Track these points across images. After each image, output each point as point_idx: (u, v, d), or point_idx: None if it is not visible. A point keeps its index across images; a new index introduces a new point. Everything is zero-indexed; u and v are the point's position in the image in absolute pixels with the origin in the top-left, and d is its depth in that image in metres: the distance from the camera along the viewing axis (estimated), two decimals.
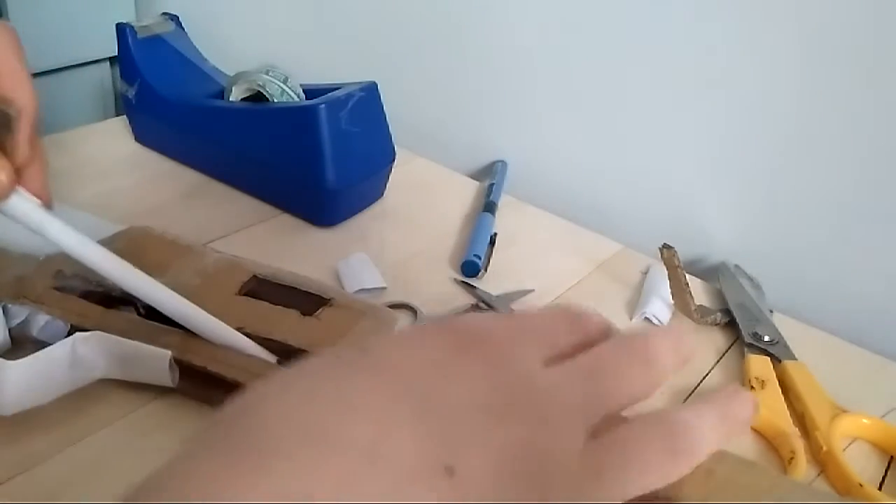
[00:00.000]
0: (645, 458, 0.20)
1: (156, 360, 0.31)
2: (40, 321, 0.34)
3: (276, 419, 0.16)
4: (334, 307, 0.36)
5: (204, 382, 0.32)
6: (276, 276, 0.38)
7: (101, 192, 0.53)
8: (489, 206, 0.56)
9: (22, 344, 0.34)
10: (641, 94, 0.56)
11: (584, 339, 0.24)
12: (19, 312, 0.34)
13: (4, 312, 0.33)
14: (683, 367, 0.25)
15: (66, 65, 0.76)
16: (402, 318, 0.42)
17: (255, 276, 0.37)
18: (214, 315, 0.34)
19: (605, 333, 0.25)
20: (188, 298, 0.34)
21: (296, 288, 0.37)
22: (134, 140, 0.61)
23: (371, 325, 0.35)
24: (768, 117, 0.50)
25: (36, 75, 0.69)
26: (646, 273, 0.51)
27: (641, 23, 0.54)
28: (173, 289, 0.35)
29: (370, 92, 0.52)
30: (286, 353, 0.32)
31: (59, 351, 0.31)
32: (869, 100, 0.46)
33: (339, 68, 0.73)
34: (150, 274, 0.34)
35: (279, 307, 0.35)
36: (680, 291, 0.45)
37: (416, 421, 0.17)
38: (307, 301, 0.36)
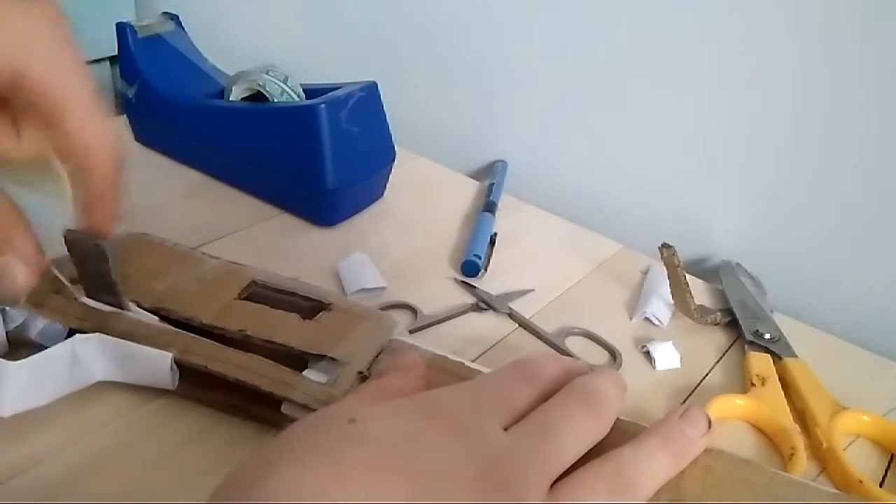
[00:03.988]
0: (598, 500, 0.22)
1: (156, 361, 0.31)
2: (39, 324, 0.34)
3: (283, 490, 0.19)
4: (334, 311, 0.36)
5: (203, 385, 0.32)
6: (275, 282, 0.38)
7: None
8: (489, 206, 0.56)
9: (20, 347, 0.34)
10: (641, 93, 0.56)
11: (542, 390, 0.27)
12: (17, 316, 0.34)
13: (3, 315, 0.33)
14: (624, 397, 0.28)
15: None
16: (402, 319, 0.42)
17: (253, 282, 0.37)
18: (215, 319, 0.34)
19: (560, 378, 0.28)
20: (188, 304, 0.34)
21: (295, 293, 0.37)
22: (134, 140, 0.61)
23: (370, 328, 0.35)
24: (769, 116, 0.51)
25: None
26: (646, 273, 0.51)
27: (641, 22, 0.54)
28: (172, 295, 0.35)
29: (370, 92, 0.52)
30: (287, 357, 0.32)
31: (59, 352, 0.30)
32: (870, 99, 0.46)
33: (339, 68, 0.73)
34: (148, 280, 0.34)
35: (280, 311, 0.35)
36: (680, 291, 0.45)
37: (404, 490, 0.20)
38: (306, 305, 0.36)
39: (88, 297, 0.33)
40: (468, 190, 0.61)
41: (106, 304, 0.33)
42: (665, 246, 0.45)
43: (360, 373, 0.32)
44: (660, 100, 0.55)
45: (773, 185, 0.52)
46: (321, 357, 0.33)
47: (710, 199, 0.56)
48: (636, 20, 0.54)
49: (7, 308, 0.33)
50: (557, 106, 0.61)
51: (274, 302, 0.36)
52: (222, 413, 0.33)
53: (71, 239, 0.30)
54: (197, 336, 0.33)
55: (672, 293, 0.46)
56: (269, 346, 0.33)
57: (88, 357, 0.31)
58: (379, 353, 0.33)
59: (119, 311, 0.33)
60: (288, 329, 0.34)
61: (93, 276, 0.32)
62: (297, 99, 0.54)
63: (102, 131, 0.28)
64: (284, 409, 0.30)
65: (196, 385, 0.32)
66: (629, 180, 0.59)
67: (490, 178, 0.62)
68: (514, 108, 0.64)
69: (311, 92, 0.54)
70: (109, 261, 0.30)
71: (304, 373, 0.32)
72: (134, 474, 0.30)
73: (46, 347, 0.31)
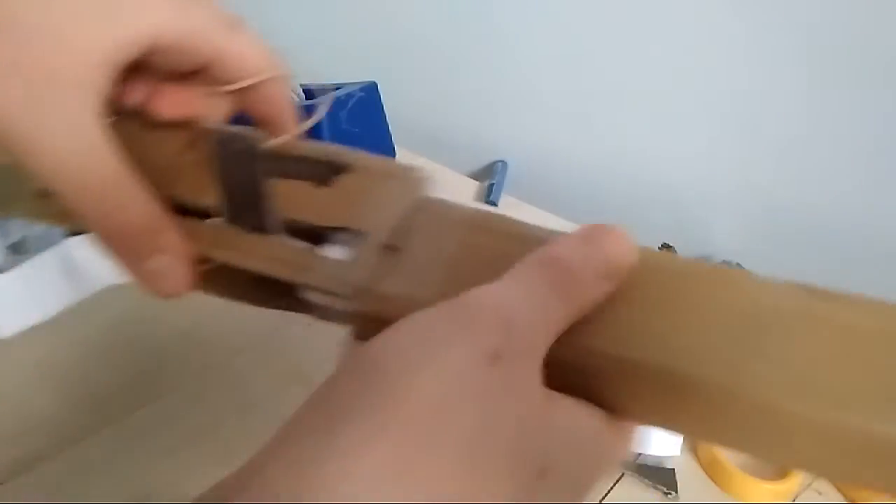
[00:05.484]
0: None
1: None
2: (37, 232, 0.30)
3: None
4: (354, 172, 0.29)
5: (222, 275, 0.27)
6: (283, 150, 0.30)
7: None
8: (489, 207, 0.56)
9: (22, 261, 0.31)
10: (642, 94, 0.56)
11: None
12: (17, 229, 0.30)
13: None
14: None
15: None
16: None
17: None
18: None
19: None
20: (188, 185, 0.28)
21: (306, 157, 0.30)
22: None
23: (398, 187, 0.28)
24: (768, 118, 0.50)
25: None
26: None
27: (642, 23, 0.54)
28: (171, 174, 0.28)
29: (370, 92, 0.52)
30: (303, 234, 0.27)
31: (50, 258, 0.28)
32: (869, 100, 0.46)
33: (339, 68, 0.73)
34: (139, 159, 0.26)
35: (290, 181, 0.29)
36: None
37: None
38: (321, 169, 0.30)
39: (231, 221, 0.27)
40: (468, 190, 0.61)
41: (248, 228, 0.27)
42: (665, 246, 0.45)
43: (388, 246, 0.26)
44: (660, 100, 0.55)
45: (773, 185, 0.52)
46: (342, 229, 0.27)
47: (710, 200, 0.56)
48: (637, 21, 0.54)
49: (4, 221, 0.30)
50: (558, 106, 0.61)
51: (283, 171, 0.29)
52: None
53: (219, 138, 0.24)
54: (199, 220, 0.27)
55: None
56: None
57: (87, 261, 0.28)
58: (408, 217, 0.27)
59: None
60: (298, 200, 0.28)
61: (238, 187, 0.27)
62: (297, 99, 0.54)
63: (251, 40, 0.25)
64: (305, 295, 0.25)
65: (214, 276, 0.27)
66: (629, 180, 0.59)
67: (490, 178, 0.62)
68: (514, 108, 0.64)
69: (311, 92, 0.54)
70: (261, 163, 0.25)
71: (322, 250, 0.26)
72: (134, 475, 0.30)
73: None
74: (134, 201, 0.23)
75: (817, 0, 0.46)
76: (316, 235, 0.27)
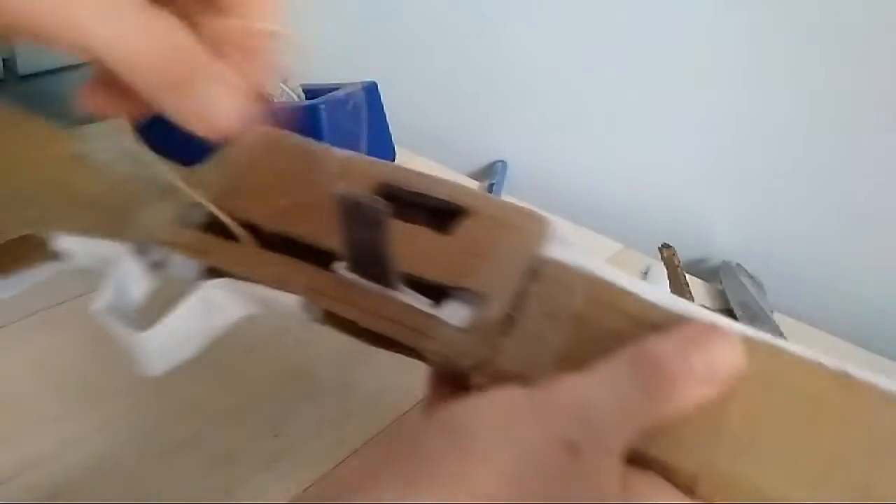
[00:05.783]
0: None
1: (287, 306, 0.27)
2: (173, 260, 0.30)
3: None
4: (475, 218, 0.28)
5: (347, 321, 0.27)
6: (406, 181, 0.29)
7: None
8: None
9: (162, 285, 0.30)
10: (641, 94, 0.56)
11: None
12: (155, 253, 0.30)
13: (141, 253, 0.30)
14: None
15: (67, 65, 0.76)
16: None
17: (385, 185, 0.30)
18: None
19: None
20: (313, 227, 0.29)
21: (426, 196, 0.29)
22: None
23: (517, 239, 0.27)
24: (769, 117, 0.50)
25: (35, 76, 0.69)
26: (646, 273, 0.51)
27: (641, 22, 0.54)
28: (296, 215, 0.29)
29: (370, 92, 0.52)
30: (423, 286, 0.26)
31: (191, 304, 0.29)
32: (869, 99, 0.46)
33: (339, 68, 0.73)
34: (271, 197, 0.29)
35: (409, 225, 0.28)
36: (680, 291, 0.45)
37: None
38: (441, 212, 0.28)
39: (353, 270, 0.27)
40: None
41: (369, 278, 0.27)
42: (665, 246, 0.45)
43: (507, 315, 0.24)
44: (660, 100, 0.55)
45: (773, 185, 0.52)
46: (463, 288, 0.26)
47: (710, 199, 0.56)
48: (636, 21, 0.54)
49: (145, 247, 0.29)
50: (557, 106, 0.61)
51: (403, 210, 0.28)
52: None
53: (344, 199, 0.24)
54: (322, 270, 0.27)
55: (672, 293, 0.46)
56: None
57: (221, 298, 0.28)
58: (528, 279, 0.25)
59: (379, 287, 0.26)
60: (419, 251, 0.27)
61: (361, 246, 0.26)
62: (297, 99, 0.54)
63: None
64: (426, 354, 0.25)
65: (337, 316, 0.27)
66: (629, 180, 0.59)
67: (490, 178, 0.62)
68: (514, 109, 0.64)
69: (311, 92, 0.54)
70: (385, 229, 0.25)
71: (441, 312, 0.26)
72: (134, 475, 0.30)
73: (184, 280, 0.28)
74: (179, 32, 0.22)
75: (817, 5, 0.46)
76: (437, 287, 0.26)
